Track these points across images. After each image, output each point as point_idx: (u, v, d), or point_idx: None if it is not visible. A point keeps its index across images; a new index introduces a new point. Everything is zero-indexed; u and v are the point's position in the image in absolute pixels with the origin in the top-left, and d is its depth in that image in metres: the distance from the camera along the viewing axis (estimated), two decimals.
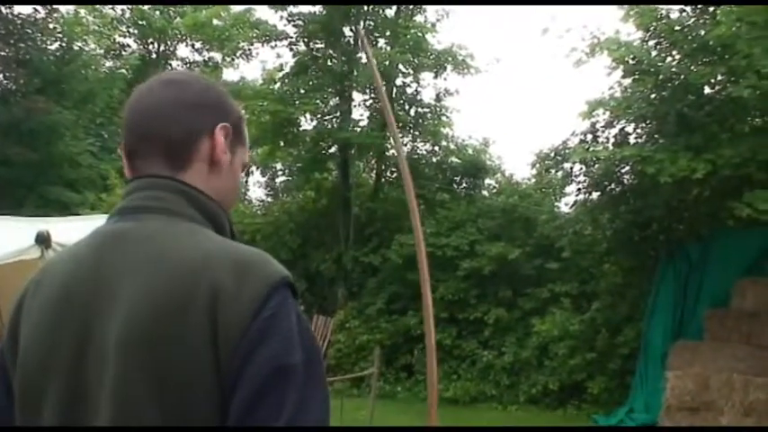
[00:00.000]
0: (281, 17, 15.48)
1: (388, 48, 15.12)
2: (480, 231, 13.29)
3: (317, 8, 15.10)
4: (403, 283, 13.11)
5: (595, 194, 11.64)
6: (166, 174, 1.28)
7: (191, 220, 1.24)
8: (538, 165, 12.62)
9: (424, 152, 16.42)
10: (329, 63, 15.46)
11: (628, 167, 10.65)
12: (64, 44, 18.00)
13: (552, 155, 11.84)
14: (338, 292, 14.44)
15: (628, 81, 10.51)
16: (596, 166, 11.03)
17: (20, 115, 15.28)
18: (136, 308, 1.14)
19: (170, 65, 22.89)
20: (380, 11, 15.33)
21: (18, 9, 16.32)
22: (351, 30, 14.80)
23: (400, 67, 14.99)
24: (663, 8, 10.17)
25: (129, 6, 21.63)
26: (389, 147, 14.95)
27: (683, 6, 10.46)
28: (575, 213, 12.35)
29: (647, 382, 10.35)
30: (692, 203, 10.44)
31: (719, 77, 9.59)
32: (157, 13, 21.98)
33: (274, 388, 1.10)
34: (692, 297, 10.54)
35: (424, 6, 15.51)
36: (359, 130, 15.08)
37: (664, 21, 10.01)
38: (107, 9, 21.82)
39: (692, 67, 9.56)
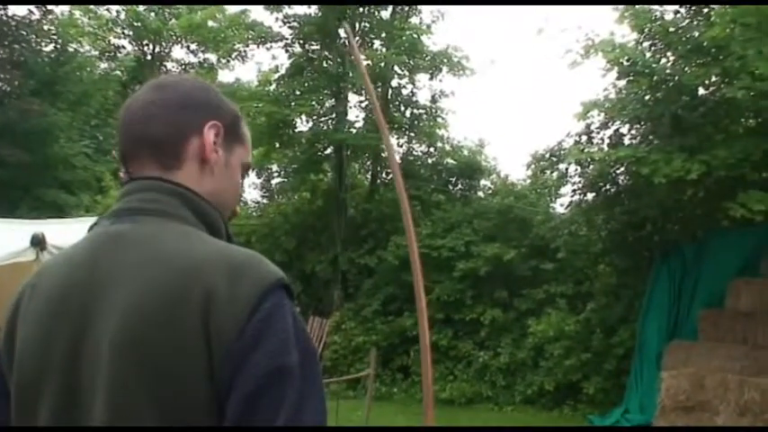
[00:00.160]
0: (277, 18, 15.50)
1: (384, 49, 15.14)
2: (476, 232, 13.30)
3: (313, 10, 15.12)
4: (399, 284, 13.11)
5: (590, 195, 11.65)
6: (158, 175, 1.28)
7: (185, 222, 1.25)
8: (533, 166, 12.63)
9: (420, 153, 16.45)
10: (324, 64, 15.47)
11: (622, 168, 10.66)
12: (59, 46, 17.93)
13: (547, 156, 11.85)
14: (334, 294, 14.44)
15: (622, 82, 10.53)
16: (591, 167, 11.04)
17: (14, 117, 15.23)
18: (129, 310, 1.15)
19: (165, 66, 22.85)
20: (376, 12, 15.34)
21: (13, 10, 16.28)
22: (344, 30, 14.81)
23: (395, 68, 15.01)
24: (657, 10, 10.19)
25: (125, 8, 21.58)
26: (385, 148, 14.96)
27: (677, 8, 10.50)
28: (570, 214, 12.36)
29: (642, 382, 10.37)
30: (686, 204, 10.45)
31: (714, 79, 9.60)
32: (152, 14, 21.93)
33: (271, 389, 1.10)
34: (687, 297, 10.56)
35: (419, 8, 15.53)
36: (354, 131, 15.09)
37: (658, 22, 10.03)
38: (102, 10, 21.77)
39: (687, 69, 9.57)
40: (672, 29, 9.89)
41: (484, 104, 30.28)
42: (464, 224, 13.50)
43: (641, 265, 11.45)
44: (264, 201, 19.70)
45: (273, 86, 16.00)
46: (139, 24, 21.86)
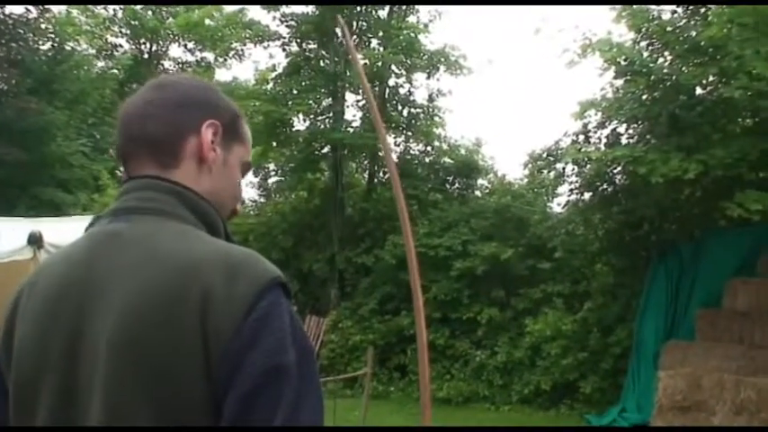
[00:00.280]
0: (274, 17, 15.49)
1: (381, 48, 15.14)
2: (473, 231, 13.30)
3: (310, 9, 15.10)
4: (396, 283, 13.10)
5: (587, 195, 11.66)
6: (156, 174, 1.28)
7: (183, 221, 1.25)
8: (530, 165, 12.64)
9: (417, 152, 16.44)
10: (322, 64, 15.46)
11: (619, 168, 10.66)
12: (56, 44, 17.91)
13: (544, 155, 11.87)
14: (331, 293, 14.43)
15: (620, 82, 10.54)
16: (588, 166, 11.05)
17: (11, 115, 15.21)
18: (127, 309, 1.15)
19: (162, 65, 22.84)
20: (373, 11, 15.33)
21: (10, 9, 16.26)
22: (340, 27, 14.80)
23: (393, 67, 15.00)
24: (654, 9, 10.20)
25: (122, 6, 21.57)
26: (382, 147, 14.95)
27: (674, 7, 10.51)
28: (567, 213, 12.37)
29: (639, 381, 10.38)
30: (683, 204, 10.46)
31: (711, 78, 9.62)
32: (150, 13, 21.92)
33: (268, 387, 1.10)
34: (684, 297, 10.57)
35: (416, 7, 15.52)
36: (351, 130, 15.07)
37: (655, 22, 10.04)
38: (99, 9, 21.76)
39: (684, 68, 9.58)
40: (669, 28, 9.90)
41: (481, 104, 30.32)
42: (461, 223, 13.49)
43: (638, 265, 11.46)
44: (261, 200, 19.70)
45: (270, 85, 15.99)
46: (136, 23, 21.85)
